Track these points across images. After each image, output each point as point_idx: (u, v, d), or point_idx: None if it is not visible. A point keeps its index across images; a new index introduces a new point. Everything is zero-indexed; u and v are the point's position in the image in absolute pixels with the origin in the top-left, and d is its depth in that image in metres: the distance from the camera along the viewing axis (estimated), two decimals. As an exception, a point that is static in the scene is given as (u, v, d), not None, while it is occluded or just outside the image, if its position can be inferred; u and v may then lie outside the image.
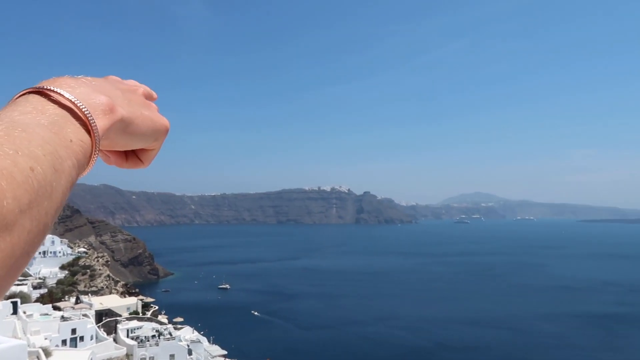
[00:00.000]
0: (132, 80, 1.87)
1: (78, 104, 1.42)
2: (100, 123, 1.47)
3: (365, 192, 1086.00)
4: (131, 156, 1.85)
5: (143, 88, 1.83)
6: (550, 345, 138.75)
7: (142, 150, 1.84)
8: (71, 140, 1.37)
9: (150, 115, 1.73)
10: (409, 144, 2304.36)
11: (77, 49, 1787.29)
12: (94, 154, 1.45)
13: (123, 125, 1.58)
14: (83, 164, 1.40)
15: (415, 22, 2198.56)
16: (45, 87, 1.44)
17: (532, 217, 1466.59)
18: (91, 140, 1.43)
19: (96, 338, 70.83)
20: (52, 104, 1.41)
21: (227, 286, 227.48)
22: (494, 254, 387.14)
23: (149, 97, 1.83)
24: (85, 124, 1.42)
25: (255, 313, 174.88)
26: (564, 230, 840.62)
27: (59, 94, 1.43)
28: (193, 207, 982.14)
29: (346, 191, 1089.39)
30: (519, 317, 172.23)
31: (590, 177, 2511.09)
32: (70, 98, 1.42)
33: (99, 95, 1.52)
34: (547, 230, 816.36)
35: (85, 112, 1.42)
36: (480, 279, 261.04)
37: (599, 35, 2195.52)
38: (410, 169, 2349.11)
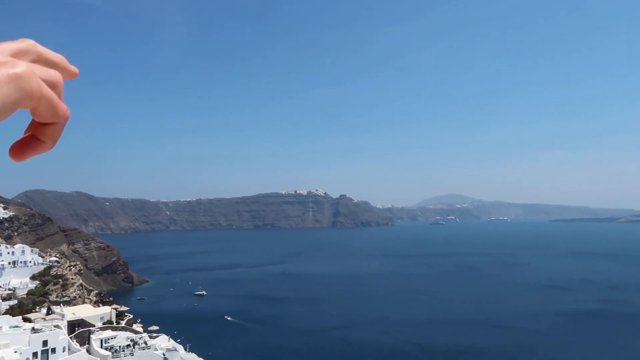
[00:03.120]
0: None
1: None
2: None
3: (341, 195, 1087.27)
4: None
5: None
6: (538, 343, 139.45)
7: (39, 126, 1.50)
8: None
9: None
10: (384, 148, 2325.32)
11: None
12: None
13: None
14: None
15: (393, 26, 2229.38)
16: None
17: (505, 218, 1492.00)
18: None
19: (69, 350, 68.21)
20: None
21: (204, 293, 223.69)
22: (473, 255, 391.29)
23: (42, 62, 1.44)
24: None
25: (229, 318, 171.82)
26: (537, 229, 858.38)
27: None
28: (168, 213, 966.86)
29: (322, 194, 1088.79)
30: (505, 316, 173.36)
31: (561, 178, 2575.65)
32: None
33: None
34: (521, 230, 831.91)
35: None
36: (462, 279, 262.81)
37: (567, 32, 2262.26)
38: (385, 171, 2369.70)
